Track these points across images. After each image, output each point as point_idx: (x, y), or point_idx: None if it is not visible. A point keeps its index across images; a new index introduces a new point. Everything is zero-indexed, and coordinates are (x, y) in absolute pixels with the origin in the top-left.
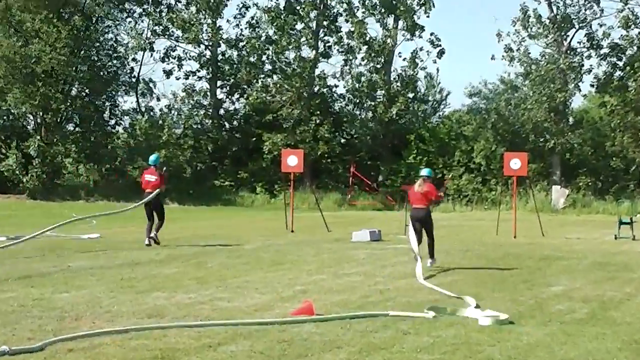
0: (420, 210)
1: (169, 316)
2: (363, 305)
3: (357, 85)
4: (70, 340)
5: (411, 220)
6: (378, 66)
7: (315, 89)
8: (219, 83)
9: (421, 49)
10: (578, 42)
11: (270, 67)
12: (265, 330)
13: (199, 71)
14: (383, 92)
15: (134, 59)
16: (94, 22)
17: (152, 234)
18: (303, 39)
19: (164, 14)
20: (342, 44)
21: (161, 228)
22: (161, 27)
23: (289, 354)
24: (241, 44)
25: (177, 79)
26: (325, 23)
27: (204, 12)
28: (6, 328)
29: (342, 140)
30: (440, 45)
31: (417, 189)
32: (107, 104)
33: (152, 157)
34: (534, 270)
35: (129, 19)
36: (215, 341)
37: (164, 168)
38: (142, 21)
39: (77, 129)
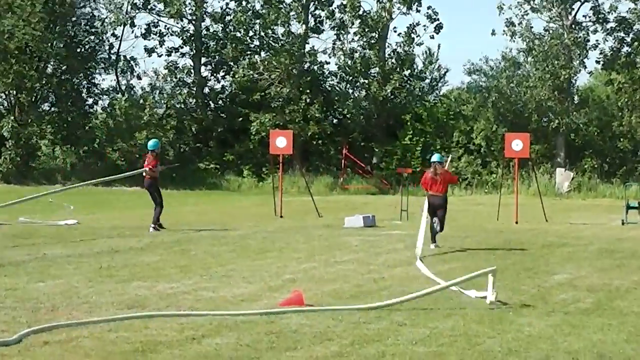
0: (438, 197)
1: (150, 307)
2: (356, 295)
3: (349, 62)
4: (47, 332)
5: (428, 208)
6: (372, 42)
7: (305, 66)
8: (203, 60)
9: (418, 24)
10: (583, 16)
11: (257, 43)
12: (252, 322)
13: (181, 47)
14: (377, 69)
15: (113, 35)
16: None
17: (150, 227)
18: (292, 12)
19: None
20: (333, 18)
21: (159, 215)
22: (142, 0)
23: (277, 347)
24: (227, 18)
25: (159, 55)
26: None
27: None
28: None
29: (334, 121)
30: (437, 20)
31: (433, 176)
32: (84, 82)
33: (150, 143)
34: (537, 258)
35: None
36: (200, 333)
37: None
38: None
39: (52, 108)
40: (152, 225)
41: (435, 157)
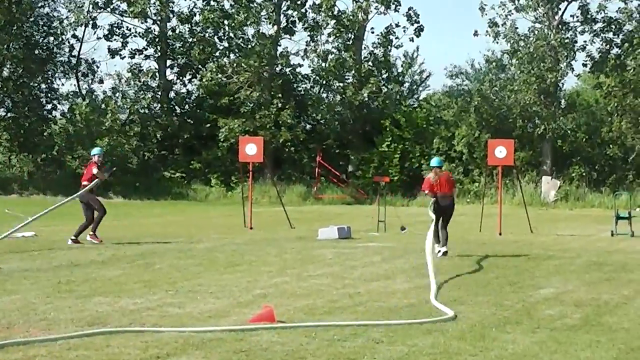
0: (447, 197)
1: (112, 324)
2: (330, 311)
3: (323, 64)
4: (1, 350)
5: (437, 211)
6: (348, 43)
7: (277, 69)
8: (168, 62)
9: (397, 25)
10: (570, 16)
11: (226, 45)
12: (220, 339)
13: (145, 49)
14: (353, 72)
15: (74, 36)
16: None
17: (71, 236)
18: (263, 12)
19: None
20: (306, 18)
21: (86, 229)
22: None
23: None
24: (194, 18)
25: (122, 58)
26: None
27: None
28: None
29: (307, 127)
30: (418, 22)
31: (437, 178)
32: (43, 86)
33: (95, 149)
34: (522, 271)
35: None
36: (164, 351)
37: (110, 169)
38: None
39: (8, 114)
40: (72, 237)
41: (434, 162)
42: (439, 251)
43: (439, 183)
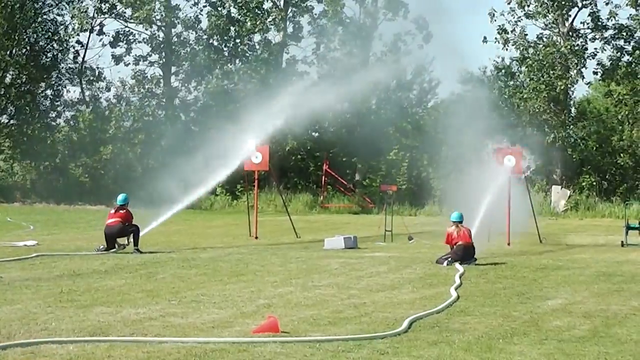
0: (469, 246)
1: (113, 334)
2: (335, 322)
3: (331, 71)
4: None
5: (457, 257)
6: (355, 50)
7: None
8: (173, 69)
9: (408, 32)
10: (581, 23)
11: (232, 51)
12: (223, 350)
13: (150, 55)
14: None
15: (78, 42)
16: None
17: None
18: (270, 19)
19: None
20: (314, 24)
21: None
22: (108, 4)
23: None
24: (200, 24)
25: (127, 65)
26: (295, 1)
27: None
28: None
29: (314, 134)
30: (427, 28)
31: (458, 232)
32: (48, 92)
33: (119, 197)
34: (530, 282)
35: None
36: None
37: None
38: None
39: (11, 121)
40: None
41: (454, 216)
42: (448, 259)
43: (459, 236)
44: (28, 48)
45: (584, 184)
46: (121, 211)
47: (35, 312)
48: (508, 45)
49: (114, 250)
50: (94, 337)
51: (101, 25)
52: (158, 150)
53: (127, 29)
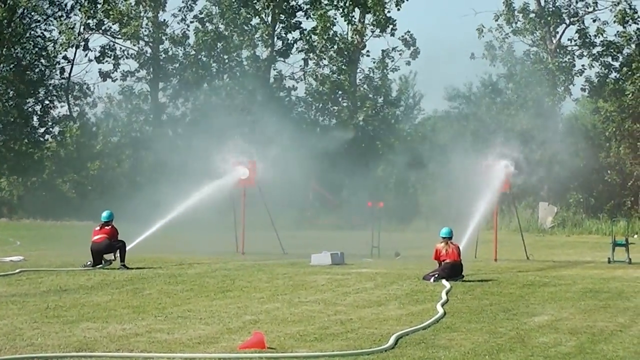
0: (457, 264)
1: (100, 349)
2: (321, 338)
3: (319, 87)
4: None
5: (444, 274)
6: (343, 67)
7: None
8: (160, 85)
9: (395, 49)
10: (568, 40)
11: (220, 67)
12: None
13: (138, 71)
14: (348, 95)
15: (64, 58)
16: (18, 15)
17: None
18: (258, 35)
19: (99, 6)
20: (302, 40)
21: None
22: (95, 20)
23: None
24: (188, 40)
25: (114, 80)
26: (282, 17)
27: (144, 3)
28: None
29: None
30: (414, 45)
31: (448, 249)
32: (37, 108)
33: (104, 214)
34: (516, 298)
35: (59, 12)
36: None
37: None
38: (74, 14)
39: None
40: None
41: (444, 232)
42: (435, 276)
43: (448, 253)
44: (15, 63)
45: (570, 200)
46: (106, 227)
47: (21, 327)
48: (495, 62)
49: (100, 265)
50: (80, 352)
51: (86, 40)
52: (145, 166)
53: (113, 44)
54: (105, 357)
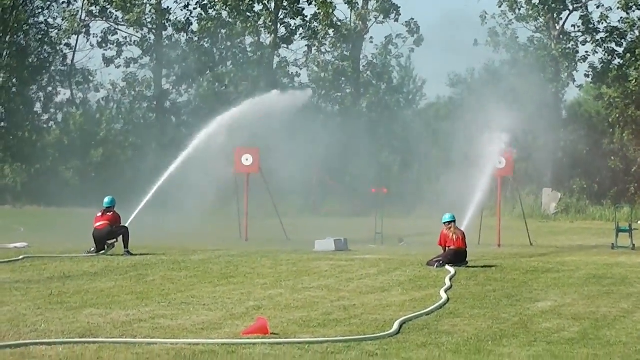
0: (461, 251)
1: (103, 335)
2: (325, 324)
3: (322, 74)
4: None
5: (448, 260)
6: (346, 53)
7: (275, 79)
8: (164, 72)
9: (399, 36)
10: (572, 26)
11: (223, 54)
12: (212, 352)
13: (141, 58)
14: (351, 81)
15: (67, 45)
16: (21, 2)
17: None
18: (261, 21)
19: None
20: (305, 27)
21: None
22: (98, 7)
23: None
24: (191, 27)
25: (117, 67)
26: (285, 3)
27: None
28: None
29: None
30: (418, 32)
31: (453, 235)
32: (40, 94)
33: (106, 200)
34: (520, 284)
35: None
36: None
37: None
38: (77, 1)
39: (1, 123)
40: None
41: (447, 217)
42: (439, 262)
43: (453, 239)
44: (18, 50)
45: (574, 187)
46: (108, 213)
47: (24, 313)
48: (499, 48)
49: (103, 252)
50: (84, 338)
51: (87, 26)
52: (149, 152)
53: (114, 29)
54: (109, 343)
